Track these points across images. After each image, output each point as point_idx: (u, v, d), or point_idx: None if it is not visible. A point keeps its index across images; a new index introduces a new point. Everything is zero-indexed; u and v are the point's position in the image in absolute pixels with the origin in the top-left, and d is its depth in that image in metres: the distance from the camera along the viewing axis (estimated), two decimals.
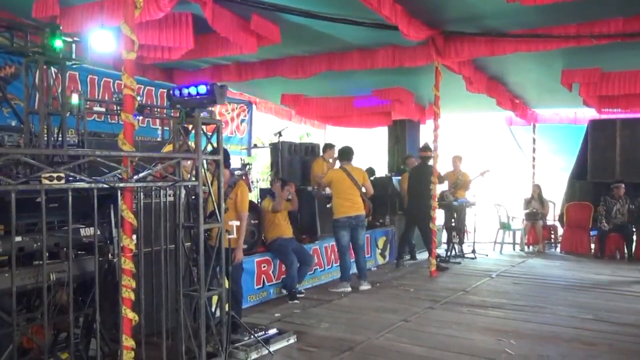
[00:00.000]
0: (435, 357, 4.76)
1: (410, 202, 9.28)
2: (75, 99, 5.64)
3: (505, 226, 11.15)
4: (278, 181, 7.19)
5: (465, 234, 10.55)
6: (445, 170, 10.12)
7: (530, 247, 11.23)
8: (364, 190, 7.67)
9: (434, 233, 8.46)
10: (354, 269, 7.89)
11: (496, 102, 10.38)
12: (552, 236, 11.66)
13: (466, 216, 10.26)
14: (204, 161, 4.16)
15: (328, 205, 7.93)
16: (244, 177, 7.80)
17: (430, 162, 8.72)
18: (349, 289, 7.40)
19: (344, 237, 7.48)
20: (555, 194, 11.94)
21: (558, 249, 11.19)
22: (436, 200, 8.54)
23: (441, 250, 10.00)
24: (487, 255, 10.41)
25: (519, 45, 7.21)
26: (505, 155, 14.23)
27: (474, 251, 10.20)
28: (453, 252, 9.80)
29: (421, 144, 10.08)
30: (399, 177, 10.67)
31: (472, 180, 10.02)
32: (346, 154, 7.75)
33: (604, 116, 10.89)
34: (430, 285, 7.74)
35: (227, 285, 4.63)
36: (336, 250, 7.77)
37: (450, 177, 10.10)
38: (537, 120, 12.91)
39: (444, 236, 10.53)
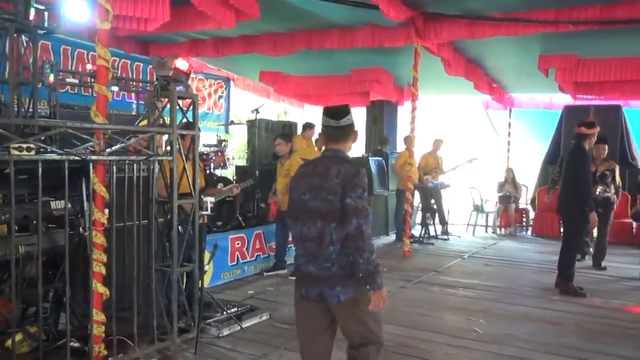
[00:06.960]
0: (406, 335, 4.82)
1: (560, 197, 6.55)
2: (52, 78, 5.51)
3: (478, 208, 11.30)
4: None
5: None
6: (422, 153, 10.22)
7: (503, 229, 11.40)
8: None
9: (408, 213, 8.53)
10: None
11: (474, 86, 10.43)
12: (524, 219, 11.85)
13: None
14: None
15: None
16: (219, 154, 7.74)
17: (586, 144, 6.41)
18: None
19: None
20: (530, 178, 12.11)
21: (529, 232, 11.40)
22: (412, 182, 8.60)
23: (416, 232, 10.09)
24: (460, 237, 10.55)
25: (498, 29, 7.24)
26: (481, 138, 14.37)
27: (447, 232, 10.33)
28: (426, 234, 9.91)
29: (400, 125, 9.95)
30: (376, 158, 10.59)
31: (457, 167, 10.22)
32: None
33: (578, 102, 11.03)
34: (403, 265, 7.83)
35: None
36: None
37: (429, 160, 10.13)
38: (514, 104, 13.02)
39: (419, 217, 10.62)
